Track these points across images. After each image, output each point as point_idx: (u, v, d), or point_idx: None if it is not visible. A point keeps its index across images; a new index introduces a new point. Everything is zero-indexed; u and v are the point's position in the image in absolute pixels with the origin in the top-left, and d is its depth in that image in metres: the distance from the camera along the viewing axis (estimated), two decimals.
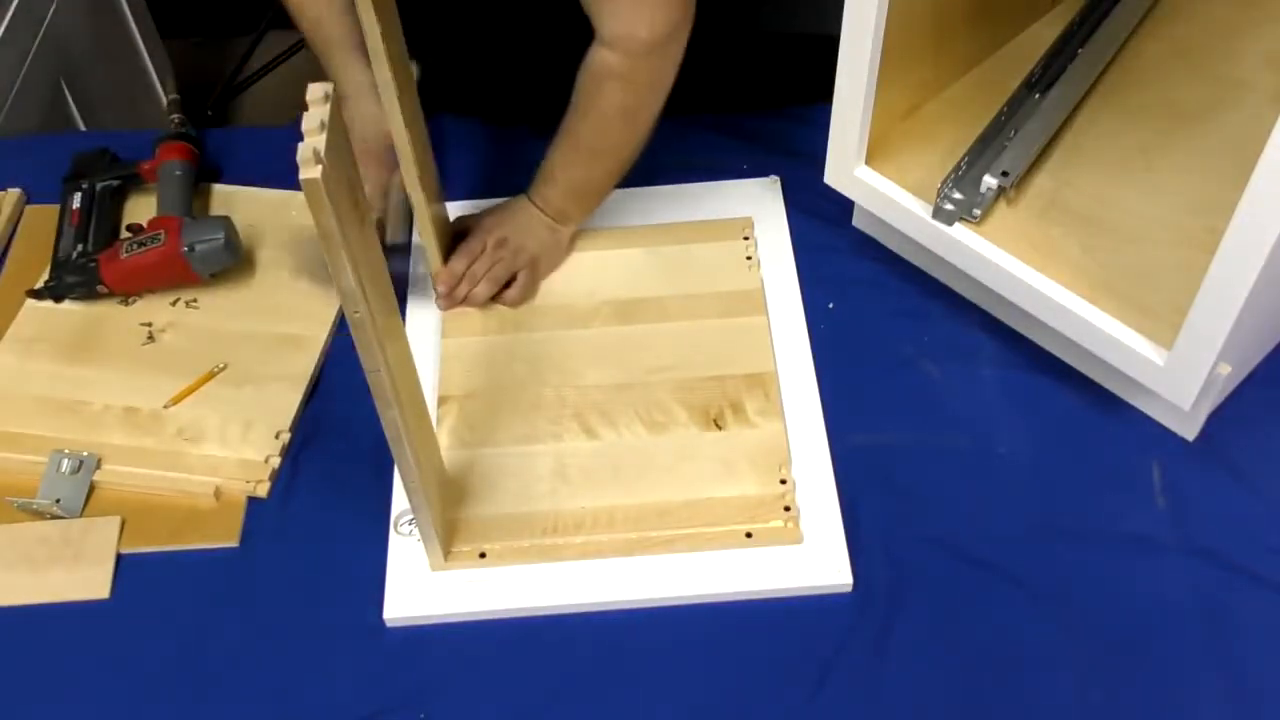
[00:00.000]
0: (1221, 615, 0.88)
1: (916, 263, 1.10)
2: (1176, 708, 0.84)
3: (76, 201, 1.14)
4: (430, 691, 0.87)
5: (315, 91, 0.67)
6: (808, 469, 0.96)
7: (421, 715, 0.86)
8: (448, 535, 0.92)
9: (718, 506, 0.93)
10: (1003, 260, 0.97)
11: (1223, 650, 0.86)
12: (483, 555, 0.92)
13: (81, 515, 0.96)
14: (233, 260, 1.09)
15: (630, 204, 1.15)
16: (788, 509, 0.93)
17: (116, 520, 0.95)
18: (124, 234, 1.13)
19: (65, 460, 0.97)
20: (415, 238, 1.14)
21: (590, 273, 1.10)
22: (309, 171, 0.63)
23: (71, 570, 0.93)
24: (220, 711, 0.87)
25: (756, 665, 0.87)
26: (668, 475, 0.96)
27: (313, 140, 0.64)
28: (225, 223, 1.07)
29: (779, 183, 1.16)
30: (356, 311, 0.70)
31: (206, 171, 1.20)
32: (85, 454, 0.98)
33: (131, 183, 1.18)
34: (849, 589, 0.90)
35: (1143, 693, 0.85)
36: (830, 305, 1.08)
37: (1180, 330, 0.86)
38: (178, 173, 1.15)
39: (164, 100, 2.00)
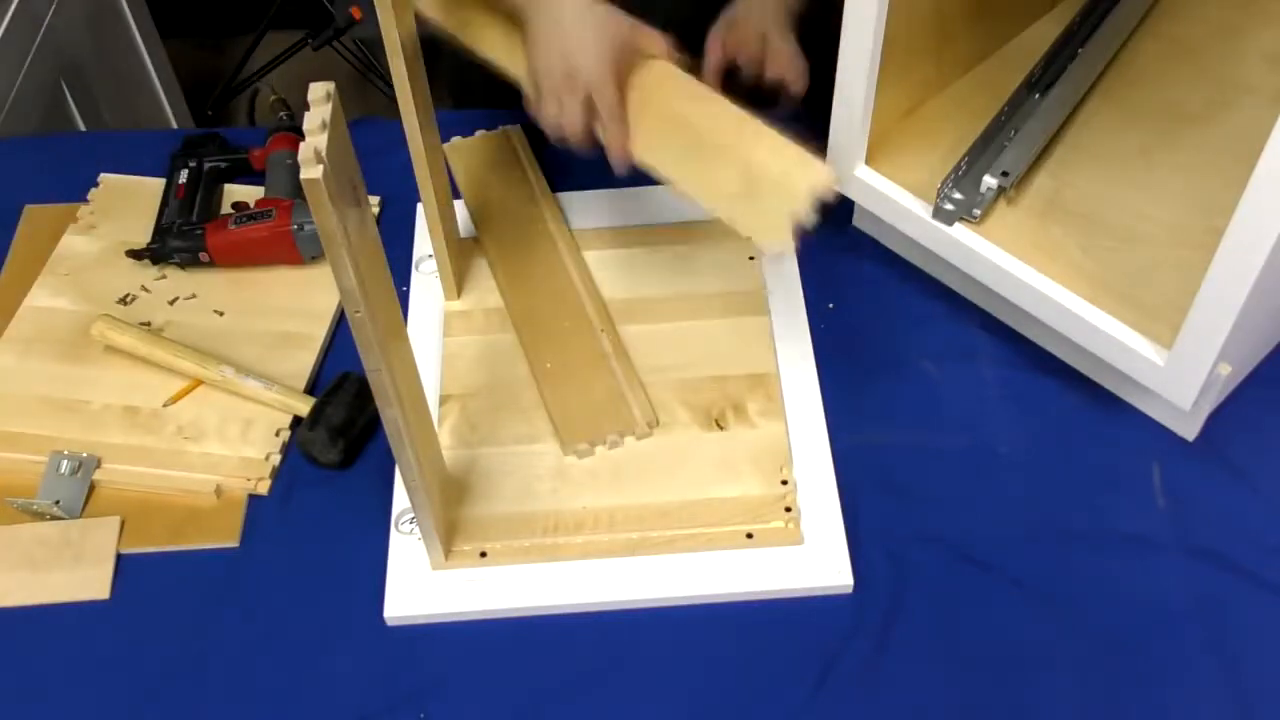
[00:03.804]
0: (1221, 615, 0.88)
1: (916, 263, 1.10)
2: (1175, 707, 0.84)
3: (183, 176, 1.17)
4: (430, 691, 0.87)
5: (316, 91, 0.67)
6: (809, 470, 0.96)
7: (421, 715, 0.86)
8: (448, 534, 0.92)
9: (718, 507, 0.93)
10: (1003, 260, 0.97)
11: (1222, 650, 0.86)
12: (483, 554, 0.92)
13: (81, 516, 0.96)
14: None
15: (632, 204, 1.15)
16: (789, 510, 0.93)
17: (116, 520, 0.96)
18: (227, 212, 1.16)
19: (65, 461, 0.97)
20: (418, 237, 1.14)
21: (594, 273, 1.10)
22: (310, 171, 0.63)
23: (71, 571, 0.93)
24: (220, 711, 0.87)
25: (756, 665, 0.87)
26: (669, 475, 0.96)
27: (314, 140, 0.64)
28: None
29: None
30: (357, 311, 0.70)
31: None
32: (85, 455, 0.98)
33: (239, 168, 1.20)
34: (850, 590, 0.90)
35: (1142, 692, 0.85)
36: (830, 305, 1.08)
37: (1180, 330, 0.86)
38: (288, 161, 1.17)
39: (165, 100, 2.01)
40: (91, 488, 0.97)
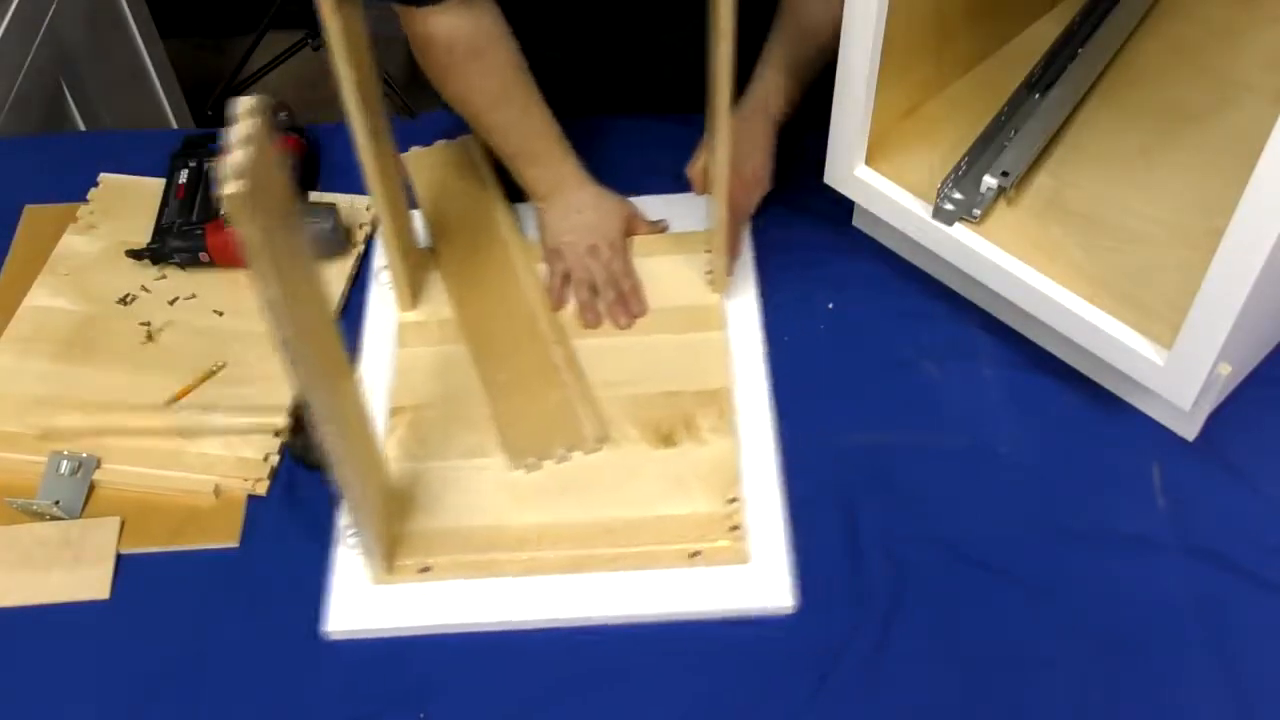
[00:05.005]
0: (1221, 615, 0.88)
1: (916, 263, 1.10)
2: (1175, 707, 0.84)
3: (183, 176, 1.17)
4: (429, 691, 0.87)
5: (243, 105, 0.65)
6: (758, 488, 0.94)
7: (421, 715, 0.86)
8: (392, 548, 0.91)
9: (665, 524, 0.92)
10: (1003, 260, 0.97)
11: (1222, 650, 0.86)
12: (426, 569, 0.91)
13: (81, 516, 0.96)
14: (335, 249, 1.11)
15: None
16: (735, 528, 0.91)
17: (116, 521, 0.95)
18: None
19: (64, 462, 0.97)
20: (378, 246, 1.13)
21: None
22: (229, 187, 0.62)
23: (71, 571, 0.93)
24: (220, 711, 0.87)
25: (757, 665, 0.87)
26: (616, 492, 0.94)
27: (235, 155, 0.63)
28: (333, 210, 1.10)
29: None
30: (281, 325, 0.68)
31: (313, 166, 1.21)
32: (84, 455, 0.98)
33: None
34: (791, 611, 0.89)
35: (1142, 692, 0.85)
36: (830, 305, 1.08)
37: (1180, 330, 0.86)
38: (288, 162, 1.17)
39: (165, 100, 2.01)
40: (91, 488, 0.97)
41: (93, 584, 0.93)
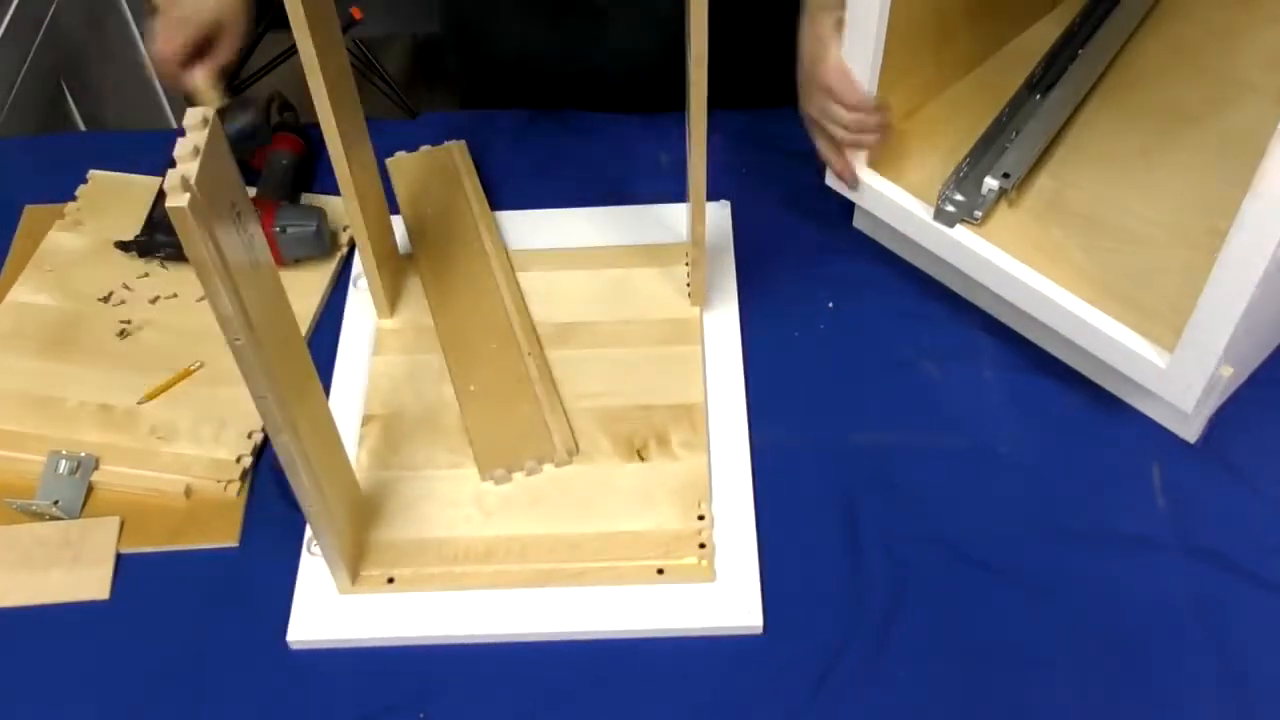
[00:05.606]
0: (1221, 615, 0.88)
1: (917, 264, 1.10)
2: (1175, 708, 0.84)
3: None
4: (430, 691, 0.87)
5: (193, 116, 0.64)
6: (729, 505, 0.94)
7: (421, 715, 0.86)
8: (357, 558, 0.91)
9: (632, 540, 0.91)
10: (1004, 262, 0.97)
11: (1222, 650, 0.86)
12: (391, 580, 0.90)
13: (80, 516, 0.96)
14: (319, 251, 1.11)
15: (573, 224, 1.14)
16: (703, 546, 0.91)
17: (116, 521, 0.95)
18: None
19: (63, 461, 0.97)
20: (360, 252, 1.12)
21: (529, 295, 1.08)
22: (176, 200, 0.60)
23: (71, 571, 0.93)
24: (220, 711, 0.87)
25: (757, 665, 0.87)
26: (585, 506, 0.93)
27: (183, 167, 0.61)
28: (319, 214, 1.10)
29: (729, 207, 1.14)
30: (237, 339, 0.68)
31: (313, 166, 1.21)
32: (83, 454, 0.97)
33: (240, 167, 1.19)
34: (759, 631, 0.88)
35: (1142, 692, 0.85)
36: (830, 305, 1.08)
37: (1182, 332, 0.86)
38: (284, 162, 1.17)
39: (165, 100, 2.01)
40: (90, 488, 0.97)
41: (92, 584, 0.93)
